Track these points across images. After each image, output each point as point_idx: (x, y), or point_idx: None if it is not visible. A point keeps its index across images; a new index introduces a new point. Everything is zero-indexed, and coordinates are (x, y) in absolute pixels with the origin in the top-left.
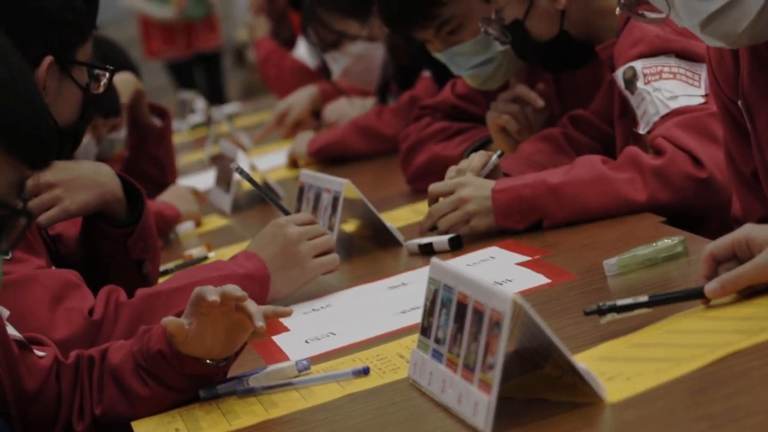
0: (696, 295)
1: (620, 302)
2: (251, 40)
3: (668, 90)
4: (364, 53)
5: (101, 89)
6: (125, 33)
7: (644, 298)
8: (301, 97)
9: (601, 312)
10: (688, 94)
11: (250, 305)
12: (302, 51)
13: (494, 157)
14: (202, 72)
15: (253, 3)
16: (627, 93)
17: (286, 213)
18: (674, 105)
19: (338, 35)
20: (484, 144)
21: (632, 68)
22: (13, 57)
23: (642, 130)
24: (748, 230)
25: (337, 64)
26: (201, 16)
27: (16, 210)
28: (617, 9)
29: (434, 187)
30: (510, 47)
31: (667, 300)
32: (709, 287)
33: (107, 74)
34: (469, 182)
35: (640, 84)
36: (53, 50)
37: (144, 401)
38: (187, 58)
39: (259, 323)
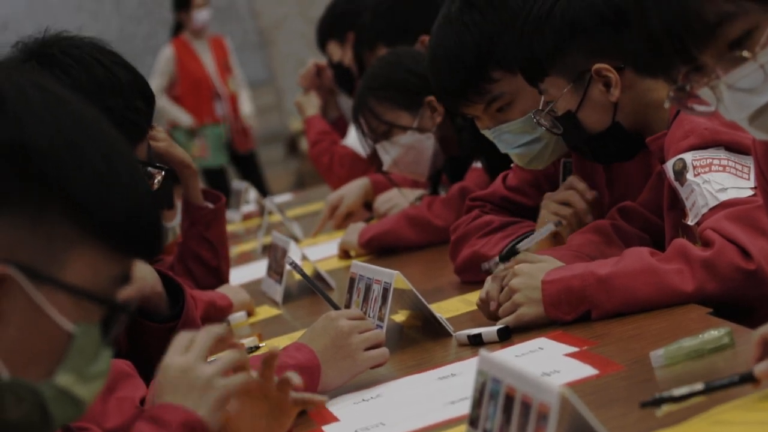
0: (748, 378)
1: (677, 392)
2: (302, 119)
3: (717, 182)
4: (414, 144)
5: (155, 186)
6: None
7: (700, 386)
8: (353, 189)
9: (658, 403)
10: (737, 186)
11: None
12: (353, 138)
13: (550, 224)
14: (238, 171)
15: (301, 80)
16: (676, 184)
17: (336, 307)
18: (723, 197)
19: (389, 126)
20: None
21: (682, 160)
22: (116, 146)
23: (691, 221)
24: None
25: (388, 154)
26: (219, 165)
27: (118, 306)
28: (666, 102)
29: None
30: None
31: (722, 386)
32: (760, 368)
33: (162, 172)
34: (521, 271)
35: (689, 176)
36: None
37: None
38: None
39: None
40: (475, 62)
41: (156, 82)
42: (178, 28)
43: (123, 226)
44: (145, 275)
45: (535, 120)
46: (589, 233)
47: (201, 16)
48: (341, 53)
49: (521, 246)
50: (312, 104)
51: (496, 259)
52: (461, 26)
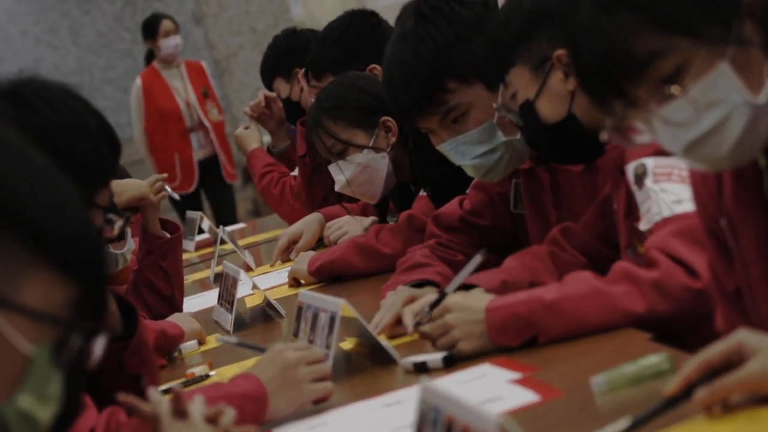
0: (682, 400)
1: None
2: (242, 153)
3: (675, 193)
4: (369, 162)
5: (115, 233)
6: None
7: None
8: (312, 223)
9: None
10: (692, 199)
11: None
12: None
13: (477, 257)
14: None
15: (251, 111)
16: (635, 188)
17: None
18: (678, 209)
19: (345, 144)
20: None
21: (644, 165)
22: (62, 183)
23: (643, 227)
24: (740, 336)
25: (342, 173)
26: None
27: (72, 327)
28: (604, 134)
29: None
30: (516, 139)
31: (652, 414)
32: (701, 394)
33: (122, 219)
34: (455, 307)
35: (648, 182)
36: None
37: None
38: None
39: None
40: (431, 73)
41: (135, 127)
42: (149, 58)
43: (71, 247)
44: None
45: (497, 110)
46: (525, 257)
47: (169, 43)
48: (288, 89)
49: (448, 288)
50: (254, 138)
51: (426, 310)
52: (416, 39)
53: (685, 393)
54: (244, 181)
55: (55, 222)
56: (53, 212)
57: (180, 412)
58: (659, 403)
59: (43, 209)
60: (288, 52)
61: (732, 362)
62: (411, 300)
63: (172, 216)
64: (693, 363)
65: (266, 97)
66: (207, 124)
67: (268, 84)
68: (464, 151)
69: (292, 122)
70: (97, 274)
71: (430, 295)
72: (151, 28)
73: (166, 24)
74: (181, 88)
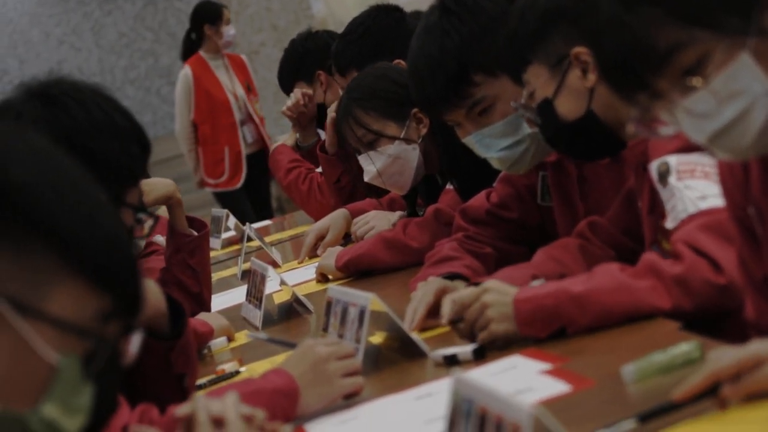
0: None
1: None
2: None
3: (699, 190)
4: (400, 154)
5: (145, 232)
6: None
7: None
8: (338, 219)
9: None
10: (717, 194)
11: None
12: None
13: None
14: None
15: (290, 111)
16: (659, 186)
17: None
18: (703, 206)
19: (377, 135)
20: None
21: (667, 163)
22: (92, 190)
23: (669, 224)
24: (754, 348)
25: (373, 164)
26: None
27: (101, 339)
28: (629, 126)
29: (459, 296)
30: (539, 131)
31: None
32: (728, 389)
33: (151, 218)
34: (492, 288)
35: (672, 179)
36: (106, 192)
37: None
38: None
39: None
40: (457, 66)
41: (180, 117)
42: (192, 47)
43: (101, 260)
44: (150, 295)
45: (517, 110)
46: (555, 249)
47: (231, 31)
48: (311, 92)
49: None
50: (284, 137)
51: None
52: (441, 32)
53: (712, 391)
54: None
55: (85, 232)
56: (83, 221)
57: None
58: (663, 404)
59: (74, 218)
60: (307, 55)
61: (747, 372)
62: (443, 291)
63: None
64: (701, 373)
65: (304, 95)
66: (256, 118)
67: (288, 89)
68: (489, 143)
69: (320, 125)
70: (129, 282)
71: (463, 287)
72: (213, 14)
73: (227, 12)
74: (228, 80)
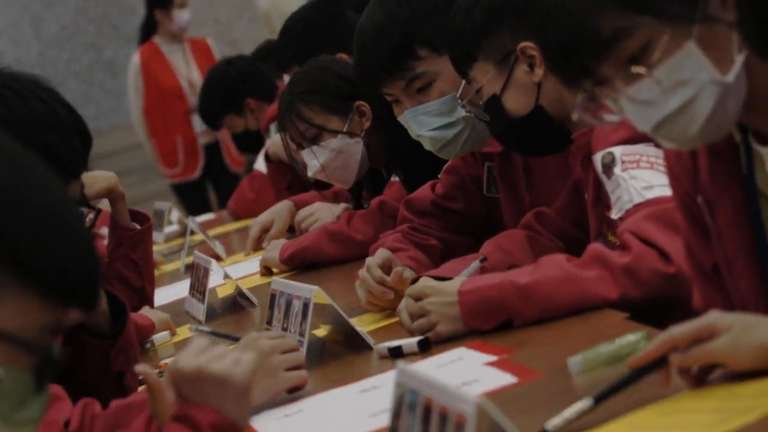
0: (656, 366)
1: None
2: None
3: (644, 179)
4: (343, 148)
5: (86, 226)
6: None
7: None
8: (282, 211)
9: None
10: (663, 184)
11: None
12: (261, 162)
13: (476, 262)
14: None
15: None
16: (603, 177)
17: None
18: (649, 195)
19: (319, 129)
20: None
21: (611, 154)
22: (52, 193)
23: (614, 215)
24: (711, 318)
25: (316, 159)
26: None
27: (47, 354)
28: (574, 113)
29: (408, 291)
30: (477, 119)
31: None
32: (675, 356)
33: (93, 211)
34: (430, 291)
35: (617, 170)
36: None
37: None
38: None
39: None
40: (402, 37)
41: (133, 107)
42: (148, 32)
43: (56, 275)
44: None
45: (462, 106)
46: (502, 240)
47: (183, 16)
48: (243, 122)
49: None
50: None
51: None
52: (395, 3)
53: (646, 368)
54: (247, 170)
55: (40, 244)
56: (38, 231)
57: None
58: (620, 379)
59: (26, 228)
60: (231, 87)
61: (701, 341)
62: (388, 262)
63: (178, 206)
64: (658, 340)
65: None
66: None
67: (217, 123)
68: (423, 121)
69: (256, 152)
70: (86, 302)
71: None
72: None
73: None
74: (183, 66)
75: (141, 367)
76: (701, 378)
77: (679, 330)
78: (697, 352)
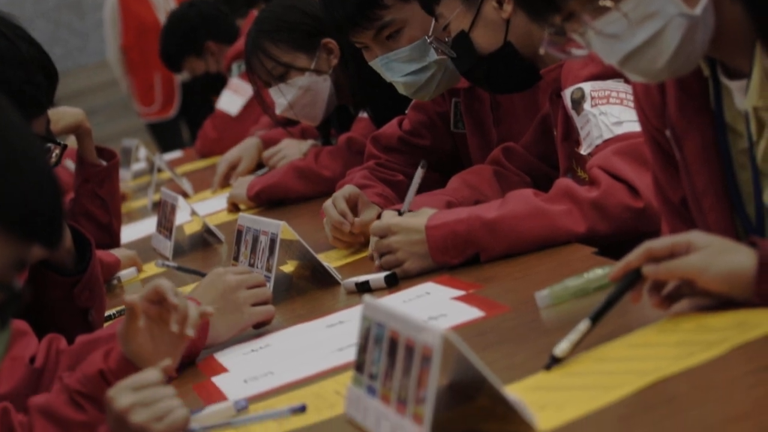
0: (633, 281)
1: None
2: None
3: (614, 115)
4: (311, 86)
5: (53, 161)
6: None
7: (586, 323)
8: (250, 148)
9: (557, 361)
10: (632, 120)
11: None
12: (225, 101)
13: (419, 170)
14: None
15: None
16: (573, 113)
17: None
18: (618, 131)
19: (286, 67)
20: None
21: (581, 89)
22: (15, 129)
23: (584, 151)
24: (692, 235)
25: (283, 97)
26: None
27: (12, 291)
28: (541, 48)
29: (372, 229)
30: (451, 62)
31: (608, 305)
32: (648, 267)
33: (59, 146)
34: (397, 229)
35: (586, 106)
36: None
37: (83, 427)
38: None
39: (189, 332)
40: None
41: (110, 44)
42: None
43: (18, 210)
44: None
45: (430, 43)
46: (469, 175)
47: None
48: (203, 64)
49: (404, 208)
50: None
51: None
52: None
53: (629, 280)
54: None
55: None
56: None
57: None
58: (609, 295)
59: None
60: (192, 30)
61: (677, 255)
62: (354, 197)
63: (152, 145)
64: (636, 251)
65: None
66: None
67: (177, 65)
68: (395, 67)
69: (217, 93)
70: (49, 239)
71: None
72: None
73: None
74: (162, 1)
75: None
76: (670, 302)
77: (657, 242)
78: (671, 264)
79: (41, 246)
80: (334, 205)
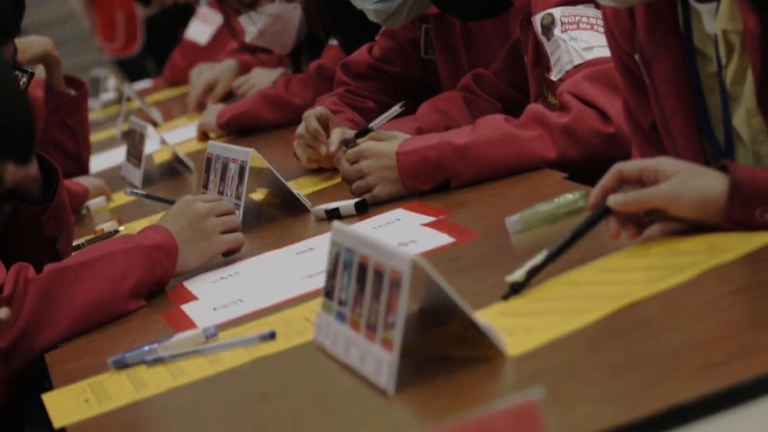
0: (601, 215)
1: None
2: None
3: (584, 41)
4: (281, 13)
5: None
6: None
7: (543, 254)
8: (227, 70)
9: (517, 289)
10: (602, 45)
11: None
12: (193, 30)
13: (396, 106)
14: None
15: None
16: (543, 39)
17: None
18: (588, 56)
19: None
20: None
21: (551, 15)
22: None
23: (554, 76)
24: (660, 162)
25: (254, 24)
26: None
27: None
28: None
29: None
30: None
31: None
32: (614, 198)
33: (27, 75)
34: (368, 153)
35: (557, 31)
36: None
37: None
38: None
39: None
40: None
41: None
42: None
43: None
44: None
45: None
46: (439, 101)
47: None
48: None
49: (372, 125)
50: None
51: (353, 134)
52: None
53: (597, 215)
54: None
55: None
56: None
57: None
58: (580, 224)
59: None
60: None
61: (646, 181)
62: (325, 117)
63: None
64: (608, 173)
65: None
66: None
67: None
68: None
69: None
70: (22, 154)
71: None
72: None
73: None
74: None
75: None
76: (641, 229)
77: (627, 164)
78: (641, 195)
79: (14, 162)
80: (306, 126)
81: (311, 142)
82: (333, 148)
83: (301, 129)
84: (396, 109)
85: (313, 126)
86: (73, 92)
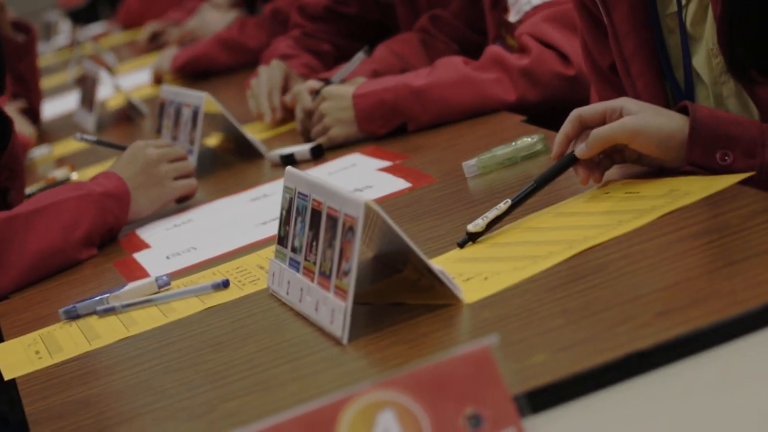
0: (567, 164)
1: (489, 215)
2: None
3: None
4: None
5: None
6: None
7: (506, 203)
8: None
9: (473, 238)
10: None
11: None
12: None
13: (360, 53)
14: None
15: None
16: None
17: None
18: None
19: None
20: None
21: None
22: None
23: (512, 18)
24: (624, 102)
25: None
26: None
27: None
28: None
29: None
30: None
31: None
32: (580, 149)
33: None
34: (327, 95)
35: None
36: None
37: None
38: None
39: None
40: None
41: None
42: None
43: None
44: None
45: None
46: (395, 44)
47: None
48: None
49: (334, 78)
50: None
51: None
52: None
53: (563, 164)
54: None
55: None
56: None
57: None
58: (545, 173)
59: None
60: None
61: (609, 122)
62: (286, 76)
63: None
64: (568, 120)
65: None
66: None
67: None
68: None
69: None
70: None
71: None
72: None
73: None
74: None
75: None
76: (602, 173)
77: (588, 108)
78: (604, 130)
79: None
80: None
81: (262, 107)
82: (288, 98)
83: (254, 83)
84: (360, 55)
85: (306, 105)
86: (21, 38)
